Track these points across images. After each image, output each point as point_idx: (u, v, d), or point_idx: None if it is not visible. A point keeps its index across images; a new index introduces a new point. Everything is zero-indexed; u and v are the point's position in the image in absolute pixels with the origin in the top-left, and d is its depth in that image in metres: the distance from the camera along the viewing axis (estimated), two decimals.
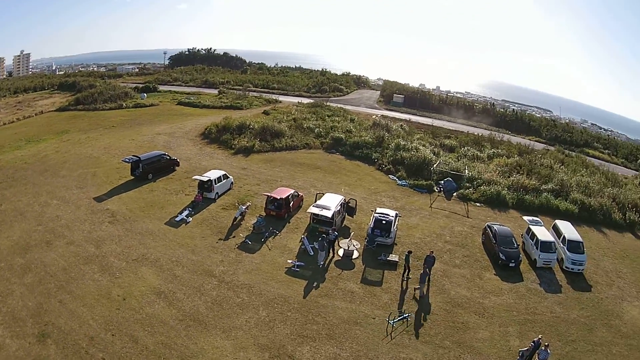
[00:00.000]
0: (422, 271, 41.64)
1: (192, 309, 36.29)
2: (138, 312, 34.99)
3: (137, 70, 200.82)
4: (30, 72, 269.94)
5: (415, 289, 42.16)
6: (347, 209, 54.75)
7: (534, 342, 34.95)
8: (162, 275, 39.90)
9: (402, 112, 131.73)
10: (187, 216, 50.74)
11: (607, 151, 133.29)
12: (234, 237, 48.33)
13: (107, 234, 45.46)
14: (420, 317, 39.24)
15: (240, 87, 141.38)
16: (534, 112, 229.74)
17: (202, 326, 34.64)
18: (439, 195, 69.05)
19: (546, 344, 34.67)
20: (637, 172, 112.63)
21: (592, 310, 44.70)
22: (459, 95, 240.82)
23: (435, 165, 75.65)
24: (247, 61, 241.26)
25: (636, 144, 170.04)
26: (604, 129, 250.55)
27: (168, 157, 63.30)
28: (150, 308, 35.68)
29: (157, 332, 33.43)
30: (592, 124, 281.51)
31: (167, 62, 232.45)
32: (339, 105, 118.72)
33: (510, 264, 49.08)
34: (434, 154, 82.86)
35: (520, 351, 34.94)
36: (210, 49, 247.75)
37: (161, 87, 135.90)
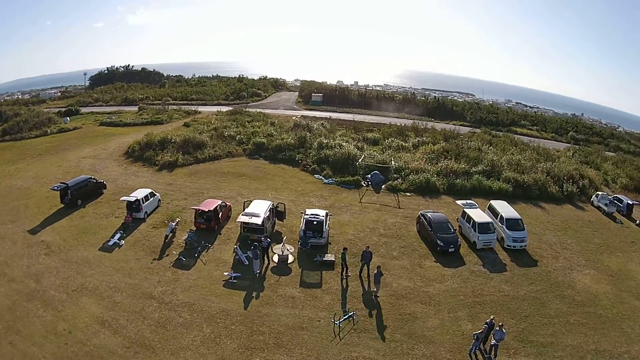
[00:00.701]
0: (375, 271, 41.89)
1: (137, 335, 35.87)
2: (86, 345, 34.34)
3: (59, 94, 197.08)
4: None
5: (372, 291, 42.57)
6: (277, 213, 55.10)
7: (487, 323, 35.95)
8: (102, 304, 39.34)
9: (322, 111, 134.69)
10: (119, 239, 50.25)
11: (535, 127, 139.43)
12: (167, 255, 48.04)
13: (45, 267, 44.44)
14: (366, 314, 39.87)
15: (160, 102, 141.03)
16: (455, 97, 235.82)
17: (149, 351, 34.27)
18: (367, 190, 70.21)
19: (500, 324, 35.67)
20: (569, 145, 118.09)
21: (541, 284, 46.44)
22: (377, 88, 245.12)
23: (360, 160, 77.03)
24: (165, 75, 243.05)
25: (564, 117, 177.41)
26: (530, 107, 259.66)
27: (95, 181, 62.70)
28: (97, 339, 35.07)
29: None
30: (516, 102, 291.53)
31: (87, 83, 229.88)
32: (258, 110, 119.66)
33: (450, 250, 50.40)
34: (358, 149, 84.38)
35: (474, 334, 35.74)
36: (128, 65, 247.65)
37: (83, 109, 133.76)
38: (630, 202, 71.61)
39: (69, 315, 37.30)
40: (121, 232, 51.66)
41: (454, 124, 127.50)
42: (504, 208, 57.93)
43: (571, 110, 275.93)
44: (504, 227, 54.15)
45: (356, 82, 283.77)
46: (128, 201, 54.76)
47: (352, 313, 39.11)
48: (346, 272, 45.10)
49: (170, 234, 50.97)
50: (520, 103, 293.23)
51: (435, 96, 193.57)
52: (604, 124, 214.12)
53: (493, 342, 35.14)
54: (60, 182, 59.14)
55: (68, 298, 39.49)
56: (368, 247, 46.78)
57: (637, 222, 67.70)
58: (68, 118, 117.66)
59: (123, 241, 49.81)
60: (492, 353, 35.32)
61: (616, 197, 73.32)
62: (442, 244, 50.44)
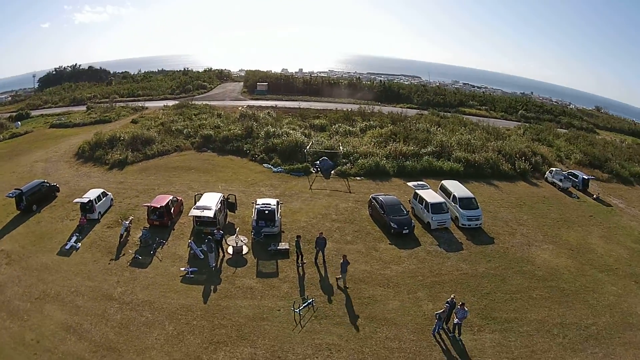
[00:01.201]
0: (342, 260, 42.22)
1: (102, 338, 35.87)
2: (54, 353, 34.22)
3: (9, 98, 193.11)
4: None
5: (337, 278, 43.16)
6: (228, 205, 55.50)
7: (448, 302, 36.88)
8: (66, 309, 39.14)
9: (267, 100, 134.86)
10: (75, 242, 50.01)
11: (484, 107, 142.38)
12: (124, 254, 47.99)
13: (7, 277, 43.84)
14: (325, 300, 40.66)
15: (107, 100, 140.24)
16: (402, 80, 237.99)
17: (116, 353, 34.36)
18: (317, 176, 71.31)
19: (461, 302, 36.58)
20: (519, 123, 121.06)
21: (499, 261, 48.06)
22: (323, 74, 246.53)
23: (308, 147, 78.08)
24: (112, 72, 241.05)
25: (514, 97, 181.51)
26: (478, 87, 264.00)
27: (48, 185, 62.16)
28: (64, 346, 34.96)
29: None
30: (464, 83, 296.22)
31: (36, 85, 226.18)
32: (204, 103, 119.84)
33: (404, 231, 51.59)
34: (305, 136, 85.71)
35: (436, 314, 36.53)
36: (76, 65, 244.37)
37: (33, 112, 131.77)
38: (586, 177, 74.25)
39: (35, 324, 37.13)
40: (77, 234, 51.38)
41: (401, 107, 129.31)
42: (457, 187, 59.51)
43: (521, 90, 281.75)
44: (457, 206, 55.60)
45: (301, 70, 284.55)
46: (81, 203, 54.49)
47: (311, 300, 39.83)
48: (301, 260, 45.74)
49: (125, 233, 50.91)
50: (468, 84, 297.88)
51: (381, 80, 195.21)
52: (555, 102, 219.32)
53: (456, 320, 36.15)
54: (15, 189, 58.62)
55: (32, 307, 39.27)
56: (321, 233, 47.43)
57: (594, 196, 70.23)
58: (19, 122, 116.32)
59: (79, 244, 49.56)
60: (456, 331, 36.37)
61: (571, 172, 75.98)
62: (395, 226, 51.54)
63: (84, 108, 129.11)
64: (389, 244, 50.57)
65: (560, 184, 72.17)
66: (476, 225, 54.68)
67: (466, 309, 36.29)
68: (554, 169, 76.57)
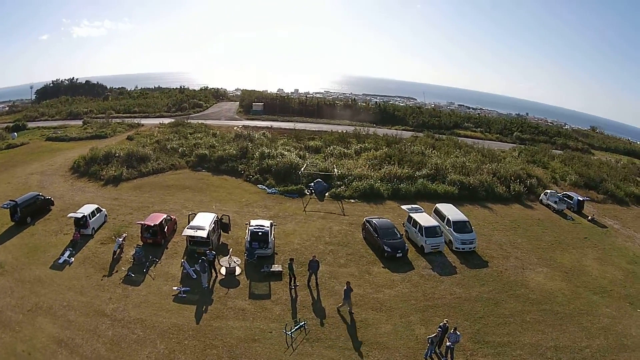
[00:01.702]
0: (345, 287, 42.01)
1: (93, 353, 35.93)
2: None
3: (6, 108, 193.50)
4: None
5: (338, 307, 42.75)
6: (222, 225, 55.62)
7: (440, 327, 36.91)
8: (57, 323, 39.23)
9: (263, 120, 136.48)
10: (69, 257, 50.16)
11: (479, 129, 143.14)
12: (116, 271, 48.13)
13: (0, 287, 44.24)
14: (317, 323, 40.64)
15: (103, 115, 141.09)
16: (397, 102, 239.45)
17: None
18: (311, 198, 71.49)
19: (454, 327, 36.70)
20: (515, 145, 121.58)
21: (493, 284, 48.10)
22: (318, 95, 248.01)
23: (302, 169, 78.17)
24: (109, 87, 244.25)
25: (508, 118, 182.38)
26: (473, 108, 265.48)
27: (43, 197, 62.43)
28: (55, 359, 35.08)
29: None
30: (459, 105, 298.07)
31: (34, 97, 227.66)
32: (200, 121, 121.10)
33: (397, 255, 51.63)
34: (300, 158, 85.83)
35: (429, 338, 36.66)
36: (73, 78, 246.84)
37: (30, 124, 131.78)
38: (581, 199, 74.46)
39: (26, 336, 37.20)
40: (70, 249, 51.52)
41: (396, 129, 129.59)
42: (451, 211, 59.56)
43: (516, 110, 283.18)
44: (451, 229, 55.69)
45: (296, 90, 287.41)
46: (75, 218, 54.67)
47: (303, 323, 39.84)
48: (294, 282, 45.76)
49: (118, 250, 51.02)
50: (463, 105, 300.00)
51: (376, 102, 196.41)
52: (550, 123, 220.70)
53: (448, 344, 36.11)
54: (10, 200, 58.76)
55: (24, 318, 39.35)
56: (314, 256, 47.50)
57: (589, 217, 70.40)
58: (16, 134, 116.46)
59: (73, 258, 49.67)
60: (449, 356, 36.31)
61: (566, 194, 76.32)
62: (389, 249, 51.62)
63: (80, 122, 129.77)
64: (382, 267, 50.58)
65: (555, 205, 72.35)
66: (470, 248, 54.77)
67: (458, 332, 36.29)
68: (548, 191, 76.85)
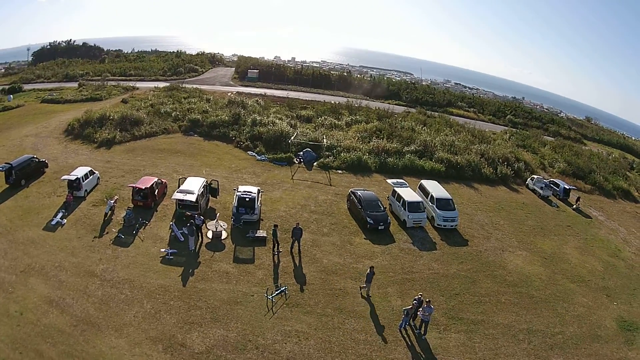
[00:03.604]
0: (368, 271, 42.14)
1: (83, 313, 36.93)
2: (37, 325, 35.21)
3: (2, 70, 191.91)
4: None
5: (361, 287, 43.28)
6: (210, 190, 56.66)
7: (415, 299, 38.24)
8: (49, 283, 40.15)
9: (257, 87, 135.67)
10: (61, 218, 50.91)
11: (472, 109, 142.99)
12: (107, 233, 48.98)
13: None
14: (297, 289, 42.00)
15: (99, 78, 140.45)
16: (392, 76, 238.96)
17: (95, 328, 35.42)
18: (299, 167, 72.42)
19: (428, 300, 37.84)
20: (507, 128, 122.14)
21: (472, 263, 49.36)
22: (315, 64, 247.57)
23: (292, 138, 79.11)
24: (105, 50, 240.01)
25: (503, 100, 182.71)
26: (469, 87, 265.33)
27: (37, 160, 62.77)
28: (46, 318, 35.97)
29: (58, 342, 33.85)
30: (455, 83, 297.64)
31: (30, 59, 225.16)
32: (195, 86, 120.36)
33: (379, 227, 52.86)
34: (291, 126, 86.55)
35: (404, 310, 37.85)
36: (70, 40, 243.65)
37: (26, 86, 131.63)
38: (567, 187, 75.53)
39: (19, 296, 37.98)
40: (63, 211, 52.26)
41: (389, 104, 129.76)
42: (435, 188, 60.66)
43: (513, 94, 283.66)
44: (434, 206, 56.79)
45: (293, 58, 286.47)
46: (69, 180, 55.39)
47: (284, 288, 41.14)
48: (277, 248, 47.02)
49: (110, 212, 51.96)
50: (460, 84, 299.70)
51: (371, 74, 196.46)
52: (546, 109, 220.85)
53: (421, 315, 37.30)
54: (5, 163, 59.10)
55: (17, 279, 40.09)
56: (298, 223, 48.61)
57: (574, 206, 71.55)
58: (11, 96, 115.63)
59: (65, 220, 50.40)
60: (422, 329, 37.61)
61: (552, 181, 77.38)
62: (371, 221, 52.74)
63: (76, 85, 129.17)
64: (364, 238, 51.74)
65: (541, 191, 73.24)
66: (452, 226, 55.90)
67: (432, 307, 37.49)
68: (535, 176, 77.86)
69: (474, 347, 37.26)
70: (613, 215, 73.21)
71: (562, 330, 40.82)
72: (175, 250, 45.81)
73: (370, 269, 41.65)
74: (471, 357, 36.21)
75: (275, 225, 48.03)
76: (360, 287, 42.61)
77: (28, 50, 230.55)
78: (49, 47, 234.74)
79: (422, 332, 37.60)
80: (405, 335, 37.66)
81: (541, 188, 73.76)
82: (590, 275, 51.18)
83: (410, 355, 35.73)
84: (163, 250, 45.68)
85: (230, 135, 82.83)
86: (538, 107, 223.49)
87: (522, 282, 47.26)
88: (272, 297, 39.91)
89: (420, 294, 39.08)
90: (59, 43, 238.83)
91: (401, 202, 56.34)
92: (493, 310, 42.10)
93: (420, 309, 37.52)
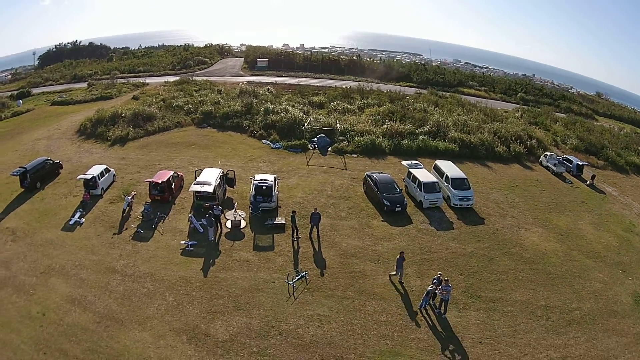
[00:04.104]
0: (398, 257, 42.27)
1: (106, 309, 37.51)
2: (60, 325, 35.76)
3: (10, 77, 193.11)
4: None
5: (391, 275, 43.38)
6: (227, 180, 57.08)
7: (435, 278, 38.72)
8: (70, 282, 40.72)
9: (267, 76, 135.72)
10: (79, 217, 51.44)
11: (483, 88, 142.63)
12: (126, 229, 49.57)
13: (13, 253, 45.32)
14: (317, 273, 42.57)
15: (108, 76, 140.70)
16: (402, 58, 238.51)
17: (119, 323, 36.00)
18: (314, 153, 72.87)
19: (446, 279, 38.24)
20: (518, 105, 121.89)
21: (489, 241, 49.71)
22: (324, 50, 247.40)
23: (306, 124, 79.44)
24: (112, 48, 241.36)
25: (514, 78, 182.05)
26: (479, 67, 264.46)
27: (51, 162, 63.18)
28: (69, 317, 36.54)
29: (82, 340, 34.38)
30: (465, 62, 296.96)
31: (37, 63, 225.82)
32: (205, 79, 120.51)
33: (396, 209, 53.34)
34: (304, 113, 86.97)
35: (427, 290, 38.54)
36: (76, 41, 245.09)
37: (34, 90, 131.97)
38: (580, 163, 75.32)
39: (40, 297, 38.56)
40: (80, 210, 52.80)
41: (400, 86, 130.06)
42: (450, 168, 61.03)
43: (523, 71, 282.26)
44: (449, 186, 57.19)
45: (302, 45, 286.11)
46: (84, 179, 55.73)
47: (304, 273, 41.75)
48: (296, 234, 47.64)
49: (127, 208, 52.44)
50: (470, 63, 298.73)
51: (381, 57, 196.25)
52: (556, 85, 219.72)
53: (439, 293, 37.80)
54: (19, 167, 59.27)
55: (37, 281, 40.67)
56: (316, 208, 49.25)
57: (588, 182, 71.46)
58: (21, 101, 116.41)
59: (83, 219, 50.96)
60: (442, 308, 38.13)
61: (565, 157, 77.31)
62: (388, 203, 53.21)
63: (85, 85, 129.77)
64: (382, 220, 52.21)
65: (555, 168, 73.28)
66: (467, 205, 56.22)
67: (450, 285, 37.86)
68: (548, 153, 77.70)
69: (493, 324, 37.67)
70: (626, 190, 73.10)
71: (579, 306, 41.11)
72: (195, 242, 46.43)
73: (400, 255, 41.76)
74: (491, 334, 36.62)
75: (294, 212, 48.63)
76: (390, 274, 42.72)
77: (34, 54, 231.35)
78: (54, 49, 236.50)
79: (442, 311, 38.05)
80: (426, 315, 38.13)
81: (554, 165, 73.75)
82: (606, 251, 51.32)
83: (432, 334, 36.21)
84: (183, 242, 46.29)
85: (244, 125, 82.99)
86: (549, 83, 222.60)
87: (538, 259, 47.56)
88: (293, 283, 40.51)
89: (439, 273, 39.57)
90: (64, 45, 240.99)
91: (417, 183, 56.69)
92: (511, 287, 42.47)
93: (440, 287, 37.83)
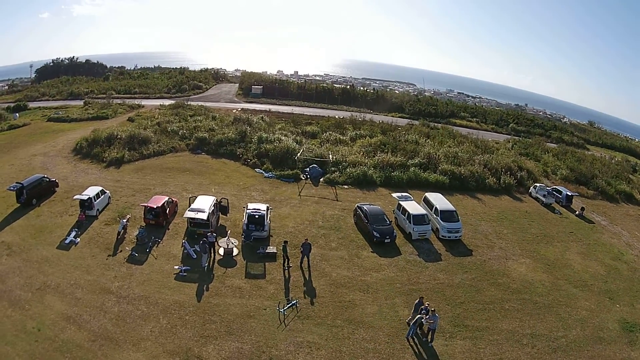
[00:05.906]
0: (417, 301, 41.49)
1: (100, 328, 38.37)
2: (54, 341, 36.57)
3: (6, 87, 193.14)
4: None
5: (409, 321, 42.18)
6: (221, 208, 58.18)
7: (423, 309, 39.48)
8: (65, 300, 41.50)
9: (261, 103, 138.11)
10: (75, 237, 52.19)
11: (475, 119, 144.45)
12: (121, 251, 50.43)
13: (8, 268, 46.07)
14: (308, 302, 43.57)
15: (104, 95, 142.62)
16: (396, 87, 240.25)
17: (113, 343, 36.88)
18: (306, 183, 73.98)
19: (432, 309, 39.28)
20: (509, 136, 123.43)
21: (476, 272, 50.92)
22: (318, 78, 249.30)
23: (299, 154, 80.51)
24: (108, 66, 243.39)
25: (505, 109, 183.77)
26: (472, 96, 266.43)
27: (48, 180, 63.93)
28: (64, 334, 37.36)
29: (77, 357, 35.24)
30: (458, 92, 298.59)
31: (33, 76, 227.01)
32: (200, 104, 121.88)
33: (386, 240, 54.50)
34: (296, 143, 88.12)
35: (412, 319, 39.72)
36: (73, 57, 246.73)
37: (31, 104, 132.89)
38: (570, 193, 76.75)
39: (35, 313, 39.44)
40: (76, 230, 53.57)
41: (392, 116, 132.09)
42: (439, 200, 62.24)
43: (515, 101, 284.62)
44: (438, 218, 58.43)
45: (296, 72, 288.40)
46: (81, 199, 56.67)
47: (295, 301, 42.83)
48: (288, 263, 48.68)
49: (122, 231, 53.29)
50: (462, 93, 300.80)
51: (374, 87, 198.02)
52: (549, 115, 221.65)
53: (425, 322, 38.86)
54: (16, 182, 60.05)
55: (33, 297, 41.53)
56: (307, 239, 50.41)
57: (577, 212, 72.83)
58: (17, 114, 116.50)
59: (78, 239, 51.81)
60: (429, 336, 39.16)
61: (555, 188, 78.62)
62: (378, 235, 54.38)
63: (81, 103, 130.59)
64: (371, 251, 53.35)
65: (544, 199, 74.49)
66: (456, 237, 57.40)
67: (437, 314, 39.00)
68: (538, 184, 78.93)
69: (479, 352, 38.65)
70: (616, 219, 74.27)
71: (565, 333, 42.09)
72: (188, 267, 47.32)
73: (420, 299, 41.02)
74: None
75: (286, 242, 49.46)
76: (407, 321, 41.64)
77: (31, 67, 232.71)
78: (52, 64, 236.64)
79: (429, 340, 39.03)
80: (413, 344, 39.06)
81: (544, 196, 75.00)
82: (593, 280, 52.46)
83: None
84: (177, 267, 47.21)
85: (237, 152, 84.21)
86: (541, 113, 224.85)
87: (525, 289, 48.64)
88: (283, 311, 41.47)
89: (427, 304, 40.32)
90: (62, 60, 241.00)
91: (406, 215, 57.86)
92: (497, 317, 43.48)
93: (427, 317, 38.72)
